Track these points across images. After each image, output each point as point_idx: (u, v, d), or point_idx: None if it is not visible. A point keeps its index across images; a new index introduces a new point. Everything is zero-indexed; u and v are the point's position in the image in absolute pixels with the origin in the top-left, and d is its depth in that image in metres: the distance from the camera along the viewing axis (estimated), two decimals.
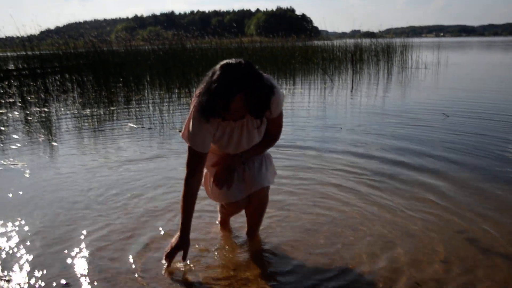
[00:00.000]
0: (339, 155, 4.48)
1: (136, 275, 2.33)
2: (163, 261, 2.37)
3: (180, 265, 2.38)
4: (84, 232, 2.87)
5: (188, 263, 2.40)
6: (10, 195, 3.62)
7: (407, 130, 5.53)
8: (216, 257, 2.53)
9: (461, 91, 9.42)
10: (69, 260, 2.51)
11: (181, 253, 2.34)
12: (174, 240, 2.35)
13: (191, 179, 2.28)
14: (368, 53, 18.33)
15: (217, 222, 2.93)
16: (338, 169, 4.02)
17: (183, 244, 2.31)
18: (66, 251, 2.62)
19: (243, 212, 2.68)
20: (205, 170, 2.48)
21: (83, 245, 2.69)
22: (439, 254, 2.49)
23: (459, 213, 3.03)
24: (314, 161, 4.30)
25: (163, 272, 2.34)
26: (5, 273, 2.39)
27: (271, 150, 2.59)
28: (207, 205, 3.17)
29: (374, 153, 4.50)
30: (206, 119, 2.07)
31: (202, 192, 2.53)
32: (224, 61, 1.99)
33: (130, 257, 2.52)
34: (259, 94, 1.97)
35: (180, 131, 2.39)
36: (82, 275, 2.35)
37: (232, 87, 1.90)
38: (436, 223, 2.89)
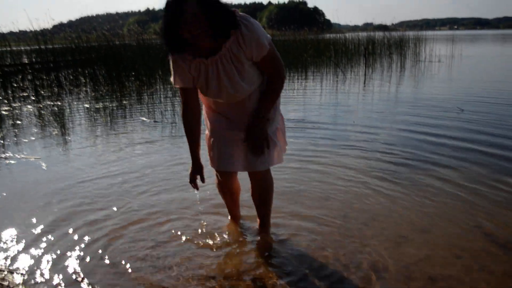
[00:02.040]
0: (351, 149, 4.45)
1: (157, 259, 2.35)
2: (192, 189, 2.53)
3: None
4: (95, 224, 2.89)
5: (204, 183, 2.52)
6: (24, 188, 3.65)
7: (421, 124, 5.46)
8: (220, 255, 2.53)
9: (475, 84, 9.28)
10: (78, 253, 2.53)
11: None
12: (189, 169, 2.46)
13: (185, 113, 2.33)
14: (380, 46, 18.16)
15: (228, 218, 2.94)
16: (349, 166, 3.99)
17: (196, 169, 2.44)
18: (78, 245, 2.64)
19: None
20: (207, 132, 2.48)
21: (95, 238, 2.71)
22: (455, 249, 2.46)
23: (476, 207, 2.99)
24: (326, 156, 4.27)
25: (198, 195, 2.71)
26: (12, 265, 2.42)
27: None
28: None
29: (386, 148, 4.46)
30: (173, 48, 2.03)
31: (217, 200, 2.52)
32: None
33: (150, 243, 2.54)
34: (214, 3, 1.93)
35: None
36: (93, 269, 2.37)
37: None
38: (451, 217, 2.85)
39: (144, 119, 6.43)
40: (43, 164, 4.28)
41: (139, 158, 4.39)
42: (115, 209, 3.15)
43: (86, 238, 2.72)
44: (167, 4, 1.91)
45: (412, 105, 6.86)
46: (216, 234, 2.71)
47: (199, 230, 2.77)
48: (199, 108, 2.36)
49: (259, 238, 2.66)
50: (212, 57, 2.10)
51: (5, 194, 3.51)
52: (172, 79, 2.22)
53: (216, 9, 1.93)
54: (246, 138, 2.32)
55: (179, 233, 2.75)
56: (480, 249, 2.47)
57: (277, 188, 3.44)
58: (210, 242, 2.62)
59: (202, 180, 2.47)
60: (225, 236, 2.71)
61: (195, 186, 2.49)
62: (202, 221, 2.88)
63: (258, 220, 2.75)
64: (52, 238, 2.73)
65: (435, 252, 2.44)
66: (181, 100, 2.33)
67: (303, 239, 2.64)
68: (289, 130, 5.28)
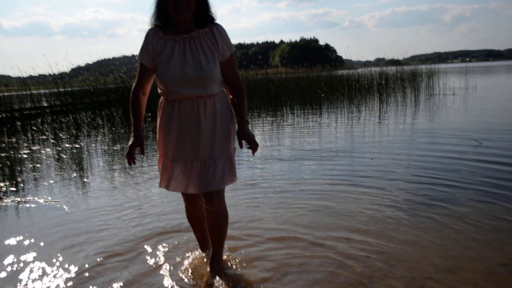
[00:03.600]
0: (369, 188, 4.40)
1: None
2: (127, 164, 2.56)
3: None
4: (117, 274, 2.87)
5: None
6: (43, 232, 3.66)
7: (439, 159, 5.41)
8: None
9: (491, 116, 9.21)
10: None
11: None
12: (130, 142, 2.49)
13: (136, 90, 2.48)
14: (394, 81, 18.22)
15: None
16: (369, 202, 3.94)
17: (136, 141, 2.47)
18: None
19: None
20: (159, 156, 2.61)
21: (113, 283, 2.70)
22: None
23: (502, 244, 2.91)
24: (343, 194, 4.23)
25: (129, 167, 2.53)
26: None
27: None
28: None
29: (405, 185, 4.40)
30: (157, 17, 2.36)
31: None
32: None
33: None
34: None
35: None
36: None
37: None
38: (477, 256, 2.78)
39: None
40: (63, 208, 4.31)
41: (158, 199, 4.40)
42: (133, 254, 3.14)
43: (104, 283, 2.70)
44: None
45: (429, 140, 6.82)
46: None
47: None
48: (147, 94, 2.54)
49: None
50: (183, 35, 2.34)
51: (23, 238, 3.52)
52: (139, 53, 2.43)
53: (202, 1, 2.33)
54: (241, 144, 2.45)
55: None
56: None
57: (297, 218, 3.40)
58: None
59: (142, 152, 2.49)
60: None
61: (133, 160, 2.48)
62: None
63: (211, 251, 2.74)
64: (72, 284, 2.71)
65: None
66: (136, 77, 2.48)
67: (319, 276, 2.58)
68: (306, 159, 5.26)
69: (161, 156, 2.59)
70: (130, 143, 2.47)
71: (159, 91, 2.49)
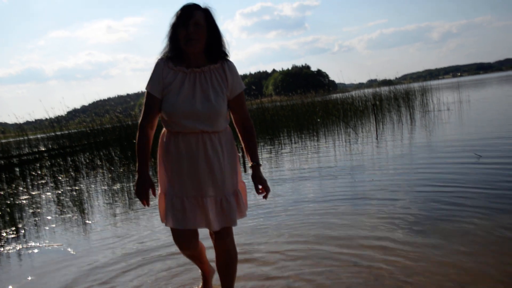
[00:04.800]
0: (372, 207, 4.37)
1: None
2: (142, 205, 2.39)
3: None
4: None
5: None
6: (47, 277, 3.60)
7: (439, 175, 5.40)
8: None
9: (487, 128, 9.25)
10: None
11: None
12: (137, 182, 2.37)
13: (143, 124, 2.37)
14: (388, 101, 18.33)
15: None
16: (372, 223, 3.90)
17: (147, 182, 2.37)
18: None
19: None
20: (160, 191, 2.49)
21: None
22: None
23: (509, 256, 2.87)
24: (345, 216, 4.19)
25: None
26: None
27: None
28: None
29: (409, 202, 4.38)
30: (170, 49, 2.31)
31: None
32: None
33: None
34: (216, 25, 2.30)
35: None
36: None
37: (193, 5, 2.27)
38: (485, 269, 2.74)
39: None
40: (65, 250, 4.25)
41: (161, 236, 4.35)
42: None
43: None
44: (181, 8, 2.27)
45: (428, 155, 6.82)
46: None
47: None
48: (154, 128, 2.44)
49: None
50: (194, 69, 2.31)
51: (26, 284, 3.46)
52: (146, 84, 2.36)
53: (216, 32, 2.30)
54: (257, 190, 2.43)
55: None
56: None
57: (300, 246, 3.35)
58: None
59: (154, 193, 2.41)
60: None
61: (146, 200, 2.37)
62: None
63: None
64: None
65: None
66: (142, 111, 2.37)
67: None
68: (307, 179, 5.23)
69: (162, 192, 2.45)
70: (138, 183, 2.36)
71: (162, 122, 2.41)
